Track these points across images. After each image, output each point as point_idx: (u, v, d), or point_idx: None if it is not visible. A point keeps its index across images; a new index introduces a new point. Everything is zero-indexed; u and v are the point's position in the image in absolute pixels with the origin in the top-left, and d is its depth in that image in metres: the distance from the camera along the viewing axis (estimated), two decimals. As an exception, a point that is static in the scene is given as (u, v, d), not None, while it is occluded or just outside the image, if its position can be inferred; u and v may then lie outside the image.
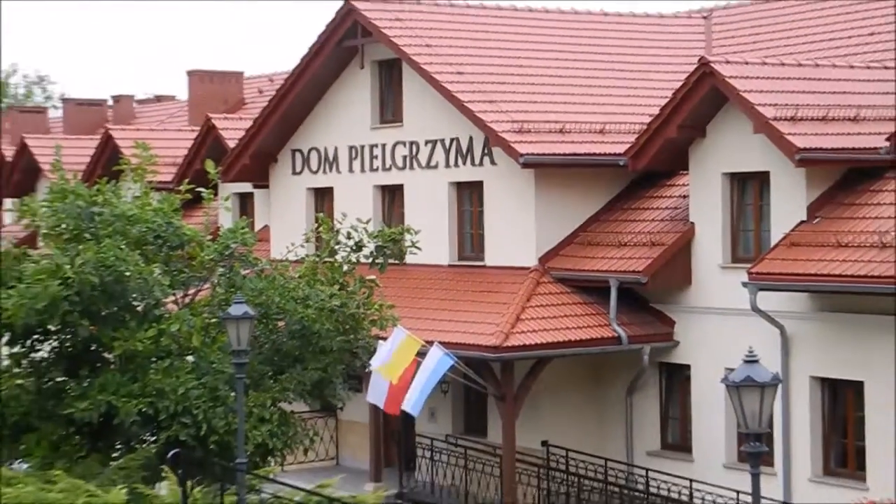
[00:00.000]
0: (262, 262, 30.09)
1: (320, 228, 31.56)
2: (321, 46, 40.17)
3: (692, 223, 33.35)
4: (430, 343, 28.57)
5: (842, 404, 30.39)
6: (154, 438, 26.25)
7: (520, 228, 35.86)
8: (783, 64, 34.17)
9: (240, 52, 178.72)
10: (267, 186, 43.51)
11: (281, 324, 27.51)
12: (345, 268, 29.78)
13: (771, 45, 39.58)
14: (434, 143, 38.10)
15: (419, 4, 40.09)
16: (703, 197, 33.06)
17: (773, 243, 30.87)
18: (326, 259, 30.03)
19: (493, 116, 35.49)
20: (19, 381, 27.52)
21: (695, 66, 32.45)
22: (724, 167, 32.52)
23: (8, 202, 54.37)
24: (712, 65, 31.81)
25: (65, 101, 74.72)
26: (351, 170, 40.70)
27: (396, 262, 31.94)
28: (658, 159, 34.04)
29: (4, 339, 27.91)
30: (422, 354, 28.03)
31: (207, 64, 68.82)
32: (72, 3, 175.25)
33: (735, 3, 46.43)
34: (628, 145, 34.41)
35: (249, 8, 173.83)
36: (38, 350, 27.85)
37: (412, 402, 27.76)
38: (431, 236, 35.80)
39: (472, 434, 36.63)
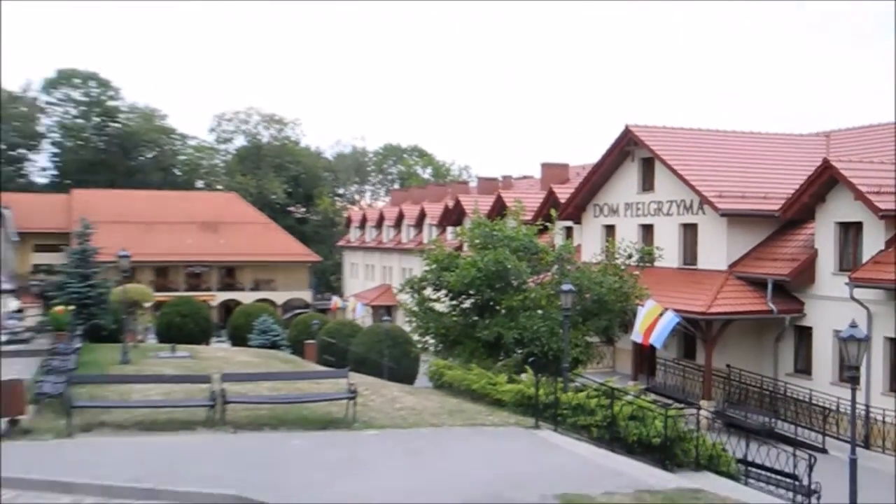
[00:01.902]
0: (577, 263, 30.34)
1: (608, 246, 31.99)
2: (611, 150, 40.33)
3: (816, 248, 32.11)
4: (667, 308, 28.03)
5: (901, 352, 29.31)
6: (520, 352, 26.73)
7: (717, 249, 35.14)
8: (872, 161, 32.78)
9: (564, 145, 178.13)
10: (580, 223, 43.37)
11: (587, 295, 27.69)
12: (622, 267, 29.88)
13: (866, 150, 37.41)
14: (672, 202, 37.51)
15: (664, 129, 39.76)
16: (823, 235, 31.84)
17: (863, 261, 29.70)
18: (611, 262, 30.14)
19: (705, 188, 34.99)
20: (455, 318, 28.60)
21: (820, 162, 31.70)
22: (836, 218, 31.30)
23: (450, 229, 55.83)
24: (831, 162, 30.97)
25: (479, 178, 75.67)
26: (625, 215, 40.35)
27: (649, 265, 31.87)
28: (797, 213, 33.11)
29: (449, 297, 28.88)
30: (661, 314, 27.51)
31: (549, 157, 70.04)
32: (478, 114, 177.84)
33: (844, 128, 44.37)
34: (780, 205, 33.51)
35: (565, 116, 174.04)
36: (464, 303, 28.66)
37: (657, 340, 27.36)
38: (668, 252, 35.98)
39: (687, 358, 35.78)
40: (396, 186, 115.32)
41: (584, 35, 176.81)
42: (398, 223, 74.41)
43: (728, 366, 33.61)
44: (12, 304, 30.55)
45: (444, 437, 18.18)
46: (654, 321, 28.06)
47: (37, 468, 14.55)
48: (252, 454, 15.94)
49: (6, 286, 29.86)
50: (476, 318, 28.15)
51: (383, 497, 13.63)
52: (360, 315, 59.85)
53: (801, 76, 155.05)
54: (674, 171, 36.45)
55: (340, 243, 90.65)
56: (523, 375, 23.47)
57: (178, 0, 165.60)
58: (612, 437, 19.39)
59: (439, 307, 29.37)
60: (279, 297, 74.43)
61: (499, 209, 44.63)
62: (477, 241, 29.01)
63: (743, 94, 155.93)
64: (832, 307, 30.72)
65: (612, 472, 16.02)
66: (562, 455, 17.16)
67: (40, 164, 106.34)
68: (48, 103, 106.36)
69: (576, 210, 42.97)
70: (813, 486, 20.41)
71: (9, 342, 28.53)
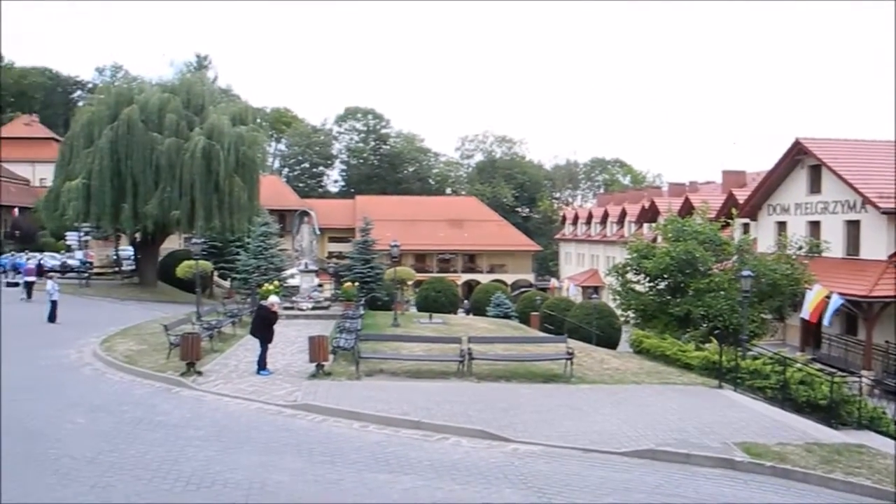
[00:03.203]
0: (754, 253, 28.79)
1: (781, 239, 30.13)
2: (783, 159, 37.73)
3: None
4: (832, 292, 26.02)
5: None
6: (705, 326, 25.73)
7: (878, 242, 32.09)
8: None
9: (740, 153, 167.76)
10: (756, 220, 40.88)
11: (763, 280, 26.08)
12: (793, 257, 28.05)
13: None
14: (836, 202, 34.62)
15: (828, 140, 36.80)
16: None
17: None
18: (783, 253, 28.35)
19: (867, 190, 32.15)
20: (651, 297, 27.92)
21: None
22: None
23: (646, 225, 53.51)
24: None
25: (670, 184, 71.97)
26: (795, 214, 37.61)
27: (816, 255, 29.70)
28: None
29: (646, 279, 28.06)
30: (828, 297, 25.56)
31: (727, 164, 65.99)
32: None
33: None
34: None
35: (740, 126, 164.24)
36: (659, 285, 27.86)
37: (826, 318, 25.46)
38: (833, 245, 33.14)
39: (849, 334, 32.97)
40: (602, 191, 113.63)
41: (751, 54, 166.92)
42: (603, 220, 73.22)
43: (887, 341, 30.70)
44: (315, 280, 32.41)
45: (642, 392, 17.82)
46: (820, 302, 26.25)
47: (335, 400, 15.49)
48: (492, 399, 16.23)
49: (312, 267, 31.73)
50: (669, 297, 27.19)
51: (595, 436, 13.56)
52: (573, 293, 59.25)
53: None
54: (839, 176, 33.63)
55: (557, 236, 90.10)
56: (707, 345, 22.57)
57: (423, 49, 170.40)
58: (784, 398, 18.35)
59: (638, 288, 28.55)
60: (509, 278, 74.69)
61: (687, 209, 42.87)
62: (670, 234, 28.06)
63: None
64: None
65: (785, 426, 15.18)
66: (741, 410, 16.43)
67: (333, 178, 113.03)
68: (339, 132, 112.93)
69: (752, 209, 40.55)
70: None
71: (313, 308, 30.31)
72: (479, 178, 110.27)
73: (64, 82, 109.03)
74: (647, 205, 57.98)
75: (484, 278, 71.33)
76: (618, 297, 28.87)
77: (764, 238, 38.64)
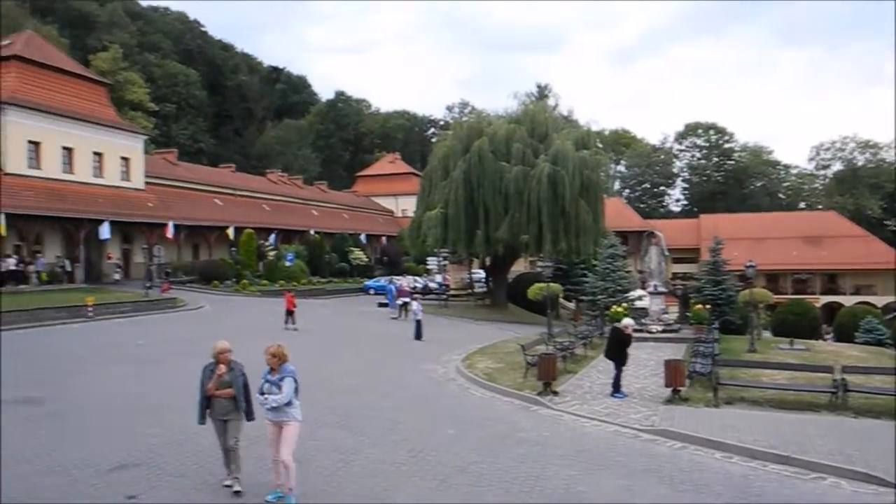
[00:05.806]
0: None
1: None
2: None
3: None
4: None
5: None
6: None
7: None
8: None
9: None
10: None
11: None
12: None
13: None
14: None
15: None
16: None
17: None
18: None
19: None
20: None
21: None
22: None
23: None
24: None
25: None
26: None
27: None
28: None
29: None
30: None
31: None
32: None
33: None
34: None
35: None
36: None
37: None
38: None
39: None
40: None
41: None
42: None
43: None
44: (662, 303, 31.85)
45: None
46: None
47: (694, 427, 14.99)
48: (874, 438, 14.50)
49: (661, 289, 31.31)
50: None
51: None
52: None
53: None
54: None
55: (938, 252, 79.32)
56: None
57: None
58: None
59: None
60: (878, 300, 66.91)
61: None
62: None
63: None
64: None
65: None
66: None
67: (675, 197, 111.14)
68: (679, 150, 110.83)
69: None
70: None
71: (662, 331, 29.79)
72: (837, 189, 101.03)
73: (420, 122, 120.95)
74: None
75: (847, 300, 64.87)
76: None
77: None
